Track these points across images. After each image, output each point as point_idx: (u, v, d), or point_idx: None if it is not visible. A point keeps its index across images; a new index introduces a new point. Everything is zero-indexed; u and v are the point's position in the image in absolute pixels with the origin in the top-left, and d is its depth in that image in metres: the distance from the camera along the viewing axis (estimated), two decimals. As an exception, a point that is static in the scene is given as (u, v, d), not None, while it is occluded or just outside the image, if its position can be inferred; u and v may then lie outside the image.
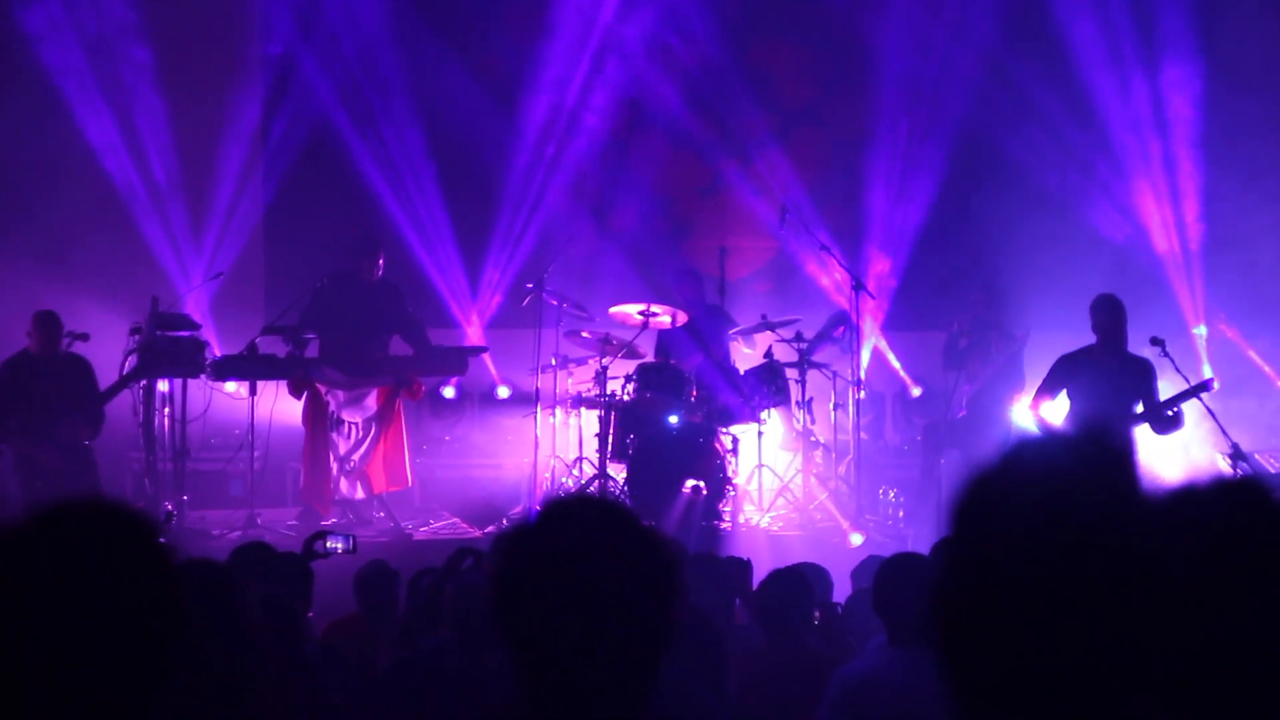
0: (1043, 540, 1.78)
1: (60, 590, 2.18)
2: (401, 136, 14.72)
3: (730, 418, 12.32)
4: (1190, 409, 10.75)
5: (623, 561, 2.35)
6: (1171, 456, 12.32)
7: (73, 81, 13.81)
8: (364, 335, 12.07)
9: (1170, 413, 10.64)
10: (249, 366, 11.67)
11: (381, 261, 12.27)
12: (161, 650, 2.27)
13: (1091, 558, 1.76)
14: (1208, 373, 13.12)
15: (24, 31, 13.61)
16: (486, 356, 13.97)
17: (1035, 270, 14.20)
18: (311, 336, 11.95)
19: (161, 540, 2.37)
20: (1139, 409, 10.65)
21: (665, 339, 13.03)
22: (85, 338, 11.24)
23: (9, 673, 2.16)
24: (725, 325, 13.00)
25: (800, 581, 6.61)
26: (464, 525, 12.31)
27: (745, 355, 13.26)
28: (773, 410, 12.71)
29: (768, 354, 12.65)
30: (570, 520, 2.44)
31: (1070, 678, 1.76)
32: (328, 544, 7.00)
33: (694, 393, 12.12)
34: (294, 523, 11.82)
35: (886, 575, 5.58)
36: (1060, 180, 15.23)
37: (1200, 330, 14.88)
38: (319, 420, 11.77)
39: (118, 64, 13.98)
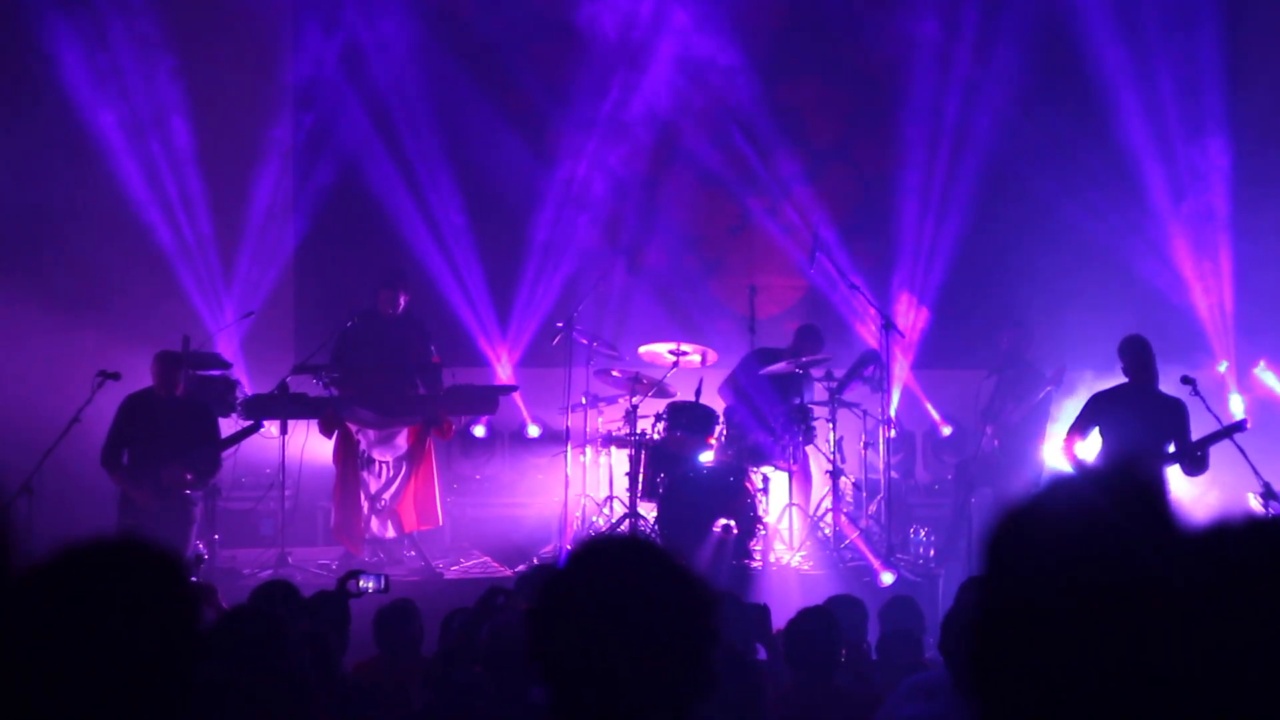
0: (1075, 576, 1.78)
1: (82, 628, 2.21)
2: (432, 176, 14.76)
3: (761, 457, 12.32)
4: (1221, 448, 10.71)
5: (661, 602, 2.36)
6: (1201, 496, 12.26)
7: (108, 125, 13.91)
8: (389, 373, 12.09)
9: (1198, 454, 10.60)
10: (280, 405, 11.69)
11: (402, 297, 12.28)
12: (179, 688, 2.29)
13: (1124, 594, 1.75)
14: (1239, 413, 13.02)
15: (63, 81, 13.71)
16: (517, 395, 13.96)
17: (1066, 309, 14.19)
18: (336, 375, 11.97)
19: (189, 581, 2.39)
20: (1171, 449, 10.60)
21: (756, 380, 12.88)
22: (117, 377, 11.15)
23: (28, 707, 2.19)
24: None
25: (828, 620, 6.59)
26: (495, 564, 12.30)
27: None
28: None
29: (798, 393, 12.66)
30: (610, 559, 2.45)
31: (1105, 714, 1.75)
32: (360, 583, 6.99)
33: (724, 431, 12.13)
34: (325, 561, 11.84)
35: (956, 623, 5.43)
36: (1091, 220, 15.16)
37: (1222, 366, 14.74)
38: (349, 459, 11.77)
39: (153, 106, 14.08)
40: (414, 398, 12.10)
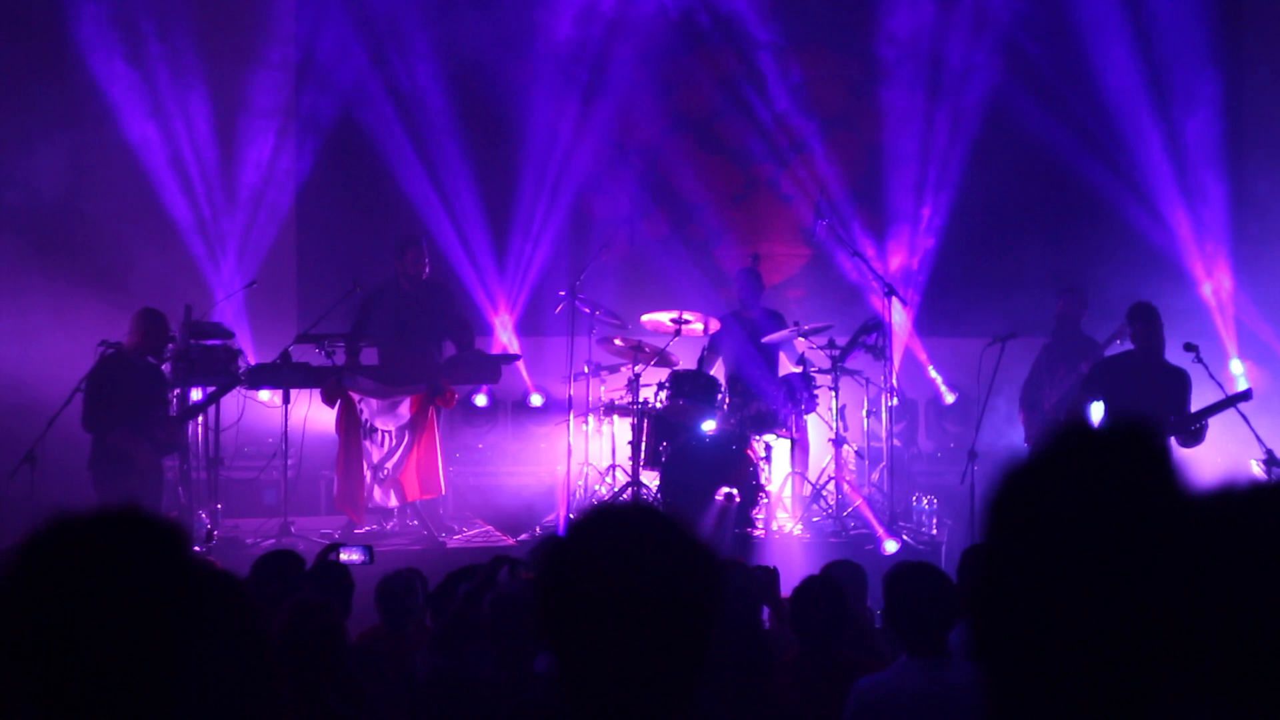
0: (1081, 537, 1.76)
1: (85, 597, 2.19)
2: (438, 141, 14.71)
3: (764, 425, 12.31)
4: (1224, 416, 10.70)
5: (665, 569, 2.35)
6: (1205, 463, 12.24)
7: (115, 90, 13.88)
8: (424, 340, 12.24)
9: (1194, 427, 10.57)
10: (282, 375, 11.69)
11: (422, 258, 12.33)
12: (178, 662, 2.27)
13: (1129, 558, 1.74)
14: (1244, 384, 12.94)
15: (75, 45, 13.69)
16: (519, 364, 13.95)
17: (1074, 277, 14.18)
18: (340, 344, 12.01)
19: (192, 550, 2.37)
20: (1173, 419, 10.59)
21: (716, 338, 12.98)
22: (120, 346, 11.21)
23: (26, 677, 2.17)
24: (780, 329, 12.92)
25: (833, 588, 6.58)
26: (497, 533, 12.30)
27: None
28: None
29: (801, 360, 12.64)
30: (614, 526, 2.44)
31: (1110, 677, 1.75)
32: (342, 556, 6.92)
33: (726, 400, 12.14)
34: (328, 530, 11.84)
35: (898, 586, 5.51)
36: (1098, 188, 15.12)
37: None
38: (352, 428, 11.76)
39: (155, 67, 14.04)
40: (421, 365, 12.10)
